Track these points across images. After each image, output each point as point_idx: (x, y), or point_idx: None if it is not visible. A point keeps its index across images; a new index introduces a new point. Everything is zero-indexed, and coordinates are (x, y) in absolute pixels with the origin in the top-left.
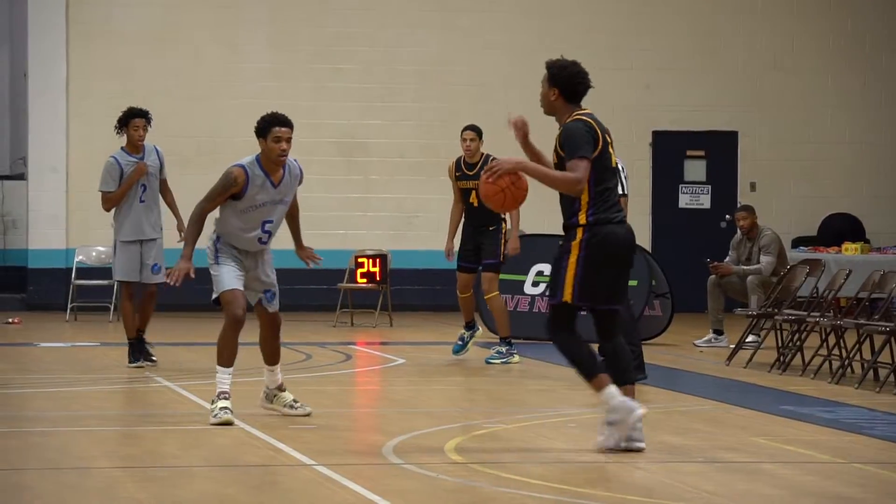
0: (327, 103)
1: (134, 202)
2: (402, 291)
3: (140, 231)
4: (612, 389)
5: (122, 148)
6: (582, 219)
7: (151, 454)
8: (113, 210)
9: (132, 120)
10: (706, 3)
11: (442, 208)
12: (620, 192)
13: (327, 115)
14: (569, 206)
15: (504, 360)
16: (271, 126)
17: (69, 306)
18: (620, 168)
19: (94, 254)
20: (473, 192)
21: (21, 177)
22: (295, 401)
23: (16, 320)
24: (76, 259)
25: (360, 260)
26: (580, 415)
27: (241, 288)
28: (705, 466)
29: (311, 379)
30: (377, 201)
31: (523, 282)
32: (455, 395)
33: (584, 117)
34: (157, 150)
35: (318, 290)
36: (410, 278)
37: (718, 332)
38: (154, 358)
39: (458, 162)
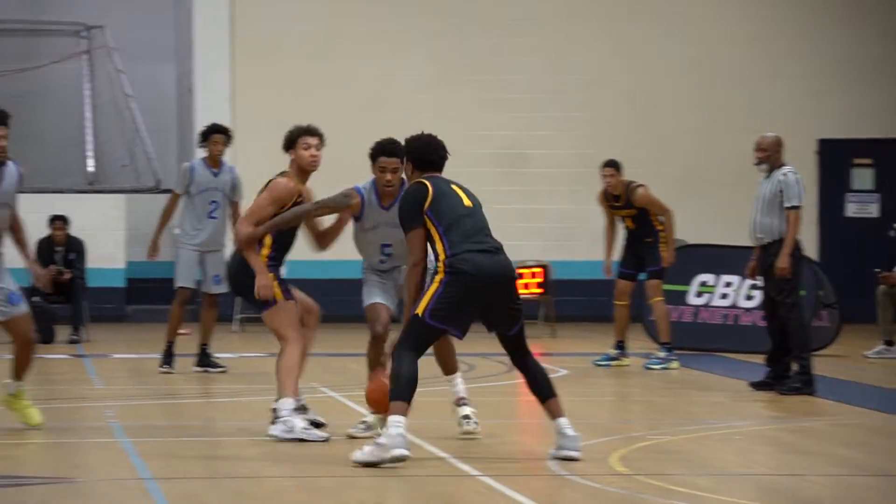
0: (488, 115)
1: (203, 215)
2: (565, 302)
3: (206, 243)
4: (399, 419)
5: (202, 159)
6: (440, 266)
7: (318, 463)
8: (180, 217)
9: (212, 135)
10: (872, 9)
11: (604, 219)
12: (791, 204)
13: (488, 127)
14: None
15: (663, 365)
16: (378, 155)
17: (237, 317)
18: (793, 180)
19: None
20: (628, 219)
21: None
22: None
23: (186, 331)
24: None
25: (521, 271)
26: (747, 427)
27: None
28: (878, 480)
29: (474, 389)
30: (538, 212)
31: (685, 292)
32: (618, 407)
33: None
34: (232, 171)
35: None
36: (573, 289)
37: (889, 343)
38: (223, 367)
39: (604, 192)
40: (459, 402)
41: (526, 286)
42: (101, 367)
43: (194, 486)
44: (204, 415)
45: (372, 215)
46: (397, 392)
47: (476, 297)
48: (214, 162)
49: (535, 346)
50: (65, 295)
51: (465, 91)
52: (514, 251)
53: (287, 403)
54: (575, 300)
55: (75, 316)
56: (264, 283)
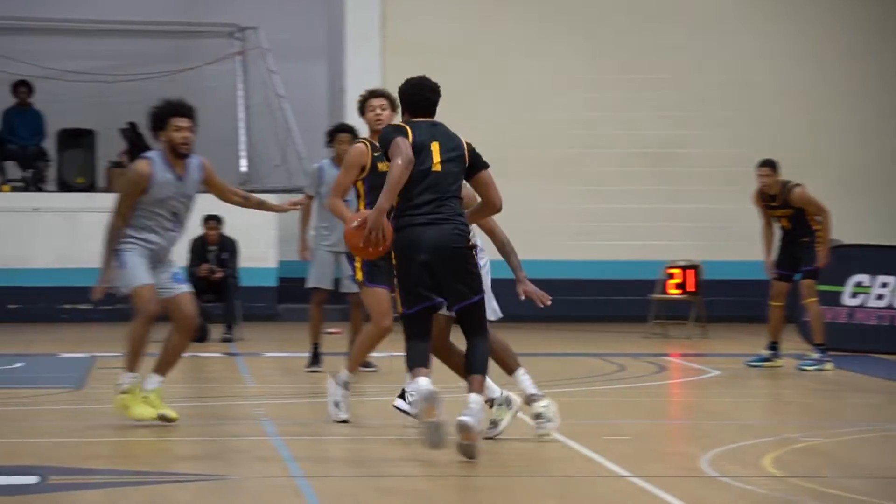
0: (638, 114)
1: (333, 216)
2: (716, 302)
3: (338, 243)
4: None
5: (331, 159)
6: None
7: (467, 463)
8: (316, 218)
9: (338, 135)
10: None
11: (757, 219)
12: None
13: (639, 126)
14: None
15: (817, 367)
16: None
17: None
18: None
19: None
20: (784, 219)
21: None
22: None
23: (336, 330)
24: None
25: (671, 271)
26: None
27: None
28: None
29: (624, 390)
30: (689, 212)
31: (840, 293)
32: (770, 408)
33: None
34: None
35: (628, 301)
36: (725, 289)
37: None
38: (375, 367)
39: (760, 192)
40: (530, 400)
41: (676, 286)
42: (254, 365)
43: (345, 485)
44: (354, 413)
45: None
46: (412, 364)
47: (419, 268)
48: (342, 161)
49: (686, 347)
50: (218, 294)
51: (615, 90)
52: (665, 251)
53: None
54: (726, 300)
55: (228, 315)
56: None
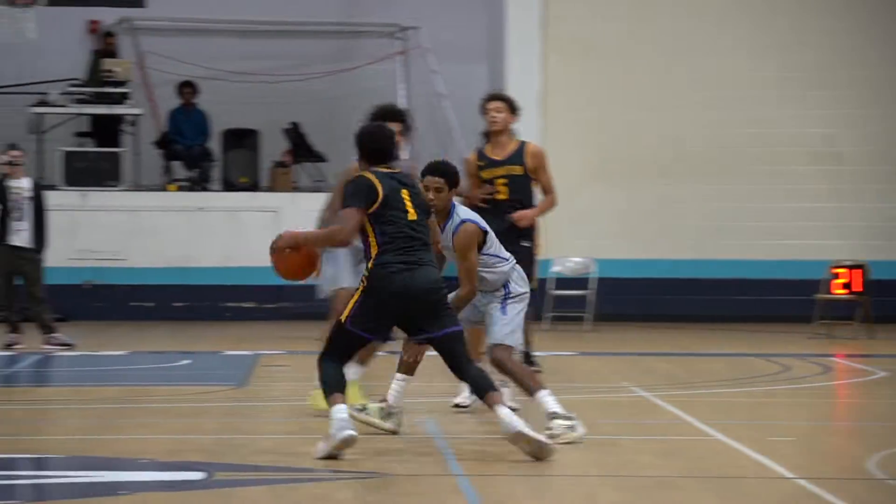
0: (800, 112)
1: None
2: (884, 303)
3: None
4: (340, 406)
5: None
6: (365, 273)
7: (629, 463)
8: None
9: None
10: None
11: None
12: None
13: (801, 125)
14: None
15: None
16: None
17: (546, 315)
18: None
19: (570, 264)
20: None
21: None
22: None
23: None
24: (553, 269)
25: (836, 270)
26: None
27: None
28: None
29: (789, 391)
30: (855, 211)
31: None
32: None
33: (368, 173)
34: None
35: (791, 301)
36: (892, 289)
37: None
38: (537, 366)
39: None
40: (551, 417)
41: (842, 286)
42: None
43: (507, 485)
44: (518, 412)
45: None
46: (330, 389)
47: (393, 308)
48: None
49: (852, 348)
50: None
51: (780, 88)
52: (829, 250)
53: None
54: (894, 301)
55: None
56: None
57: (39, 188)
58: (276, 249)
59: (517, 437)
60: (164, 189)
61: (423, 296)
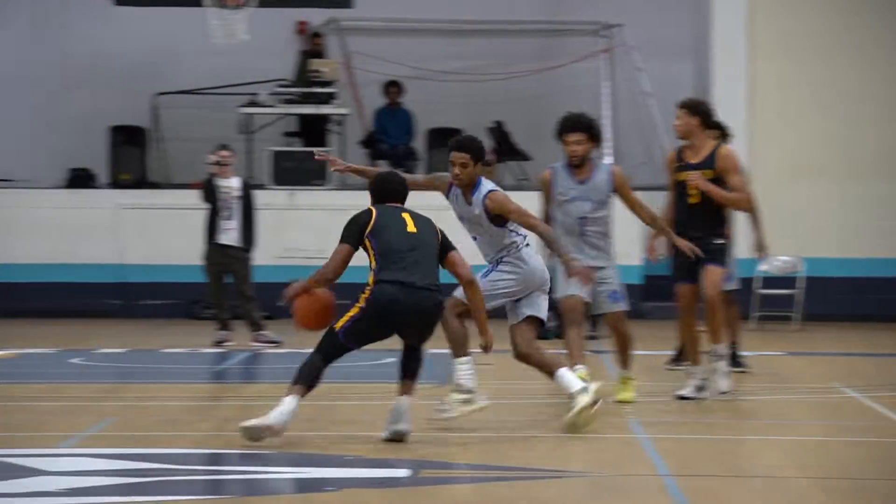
0: None
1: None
2: None
3: None
4: (291, 404)
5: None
6: (367, 288)
7: (839, 465)
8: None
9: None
10: None
11: None
12: None
13: None
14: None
15: None
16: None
17: (753, 315)
18: None
19: (777, 263)
20: None
21: None
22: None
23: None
24: (760, 268)
25: None
26: None
27: None
28: None
29: None
30: None
31: None
32: None
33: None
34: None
35: None
36: None
37: None
38: (747, 367)
39: None
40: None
41: None
42: None
43: (713, 484)
44: (723, 412)
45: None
46: (298, 380)
47: (389, 324)
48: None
49: None
50: None
51: None
52: None
53: None
54: None
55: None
56: None
57: (248, 187)
58: (289, 300)
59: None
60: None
61: (412, 315)
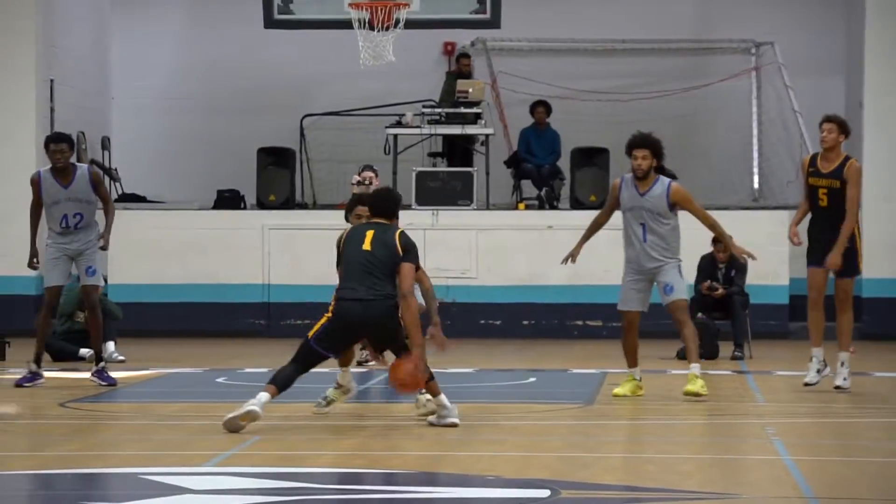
0: None
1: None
2: None
3: None
4: (264, 397)
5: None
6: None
7: None
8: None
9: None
10: None
11: None
12: None
13: None
14: None
15: None
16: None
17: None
18: None
19: None
20: None
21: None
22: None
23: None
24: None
25: None
26: None
27: None
28: None
29: None
30: None
31: None
32: None
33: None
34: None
35: None
36: None
37: None
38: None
39: None
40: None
41: None
42: (764, 383)
43: None
44: (871, 433)
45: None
46: (273, 381)
47: (351, 332)
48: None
49: None
50: (726, 311)
51: None
52: None
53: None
54: None
55: (737, 332)
56: None
57: None
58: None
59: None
60: (513, 208)
61: (362, 324)
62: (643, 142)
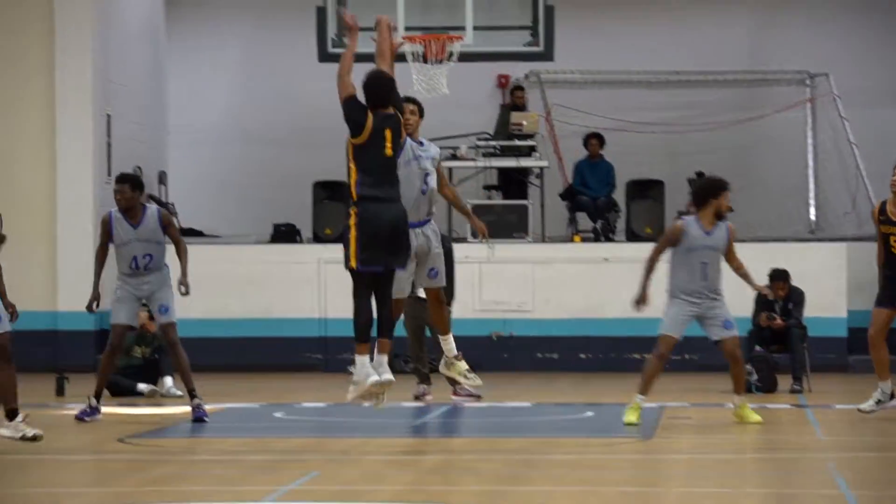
0: None
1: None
2: None
3: None
4: (365, 359)
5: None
6: (352, 208)
7: None
8: None
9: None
10: None
11: None
12: None
13: None
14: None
15: None
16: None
17: None
18: None
19: None
20: None
21: None
22: (469, 371)
23: None
24: None
25: None
26: None
27: None
28: None
29: None
30: None
31: None
32: None
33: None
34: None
35: None
36: None
37: None
38: None
39: None
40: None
41: None
42: (823, 417)
43: None
44: None
45: None
46: (360, 335)
47: (381, 236)
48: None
49: None
50: (784, 344)
51: None
52: None
53: None
54: None
55: (796, 365)
56: None
57: (447, 241)
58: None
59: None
60: (569, 240)
61: (394, 226)
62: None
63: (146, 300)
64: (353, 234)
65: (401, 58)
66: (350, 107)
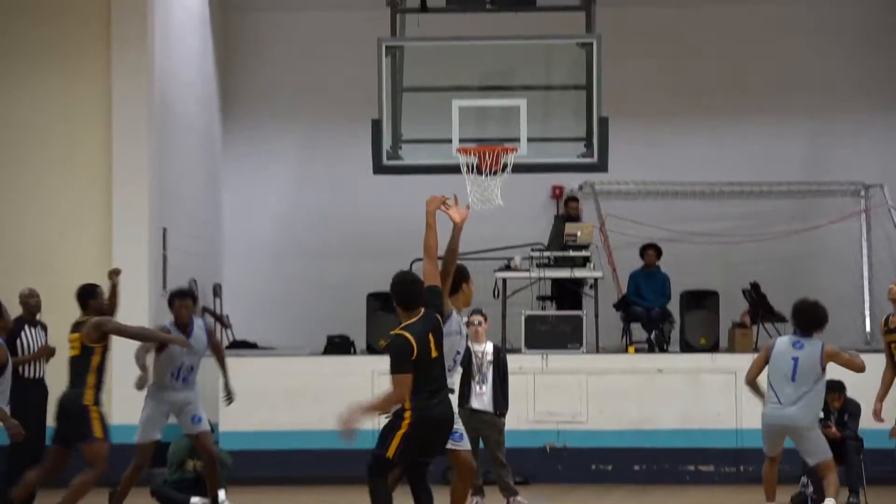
0: None
1: None
2: None
3: None
4: None
5: None
6: (407, 413)
7: None
8: None
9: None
10: None
11: None
12: None
13: None
14: None
15: None
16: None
17: None
18: None
19: None
20: None
21: None
22: None
23: None
24: None
25: None
26: None
27: None
28: None
29: None
30: None
31: None
32: None
33: (403, 331)
34: None
35: None
36: None
37: None
38: None
39: None
40: None
41: None
42: None
43: None
44: None
45: None
46: None
47: (432, 441)
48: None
49: None
50: (839, 456)
51: None
52: None
53: None
54: None
55: (852, 478)
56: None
57: (501, 352)
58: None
59: None
60: (623, 351)
61: (449, 424)
62: None
63: (175, 413)
64: (402, 431)
65: (455, 169)
66: (399, 351)
